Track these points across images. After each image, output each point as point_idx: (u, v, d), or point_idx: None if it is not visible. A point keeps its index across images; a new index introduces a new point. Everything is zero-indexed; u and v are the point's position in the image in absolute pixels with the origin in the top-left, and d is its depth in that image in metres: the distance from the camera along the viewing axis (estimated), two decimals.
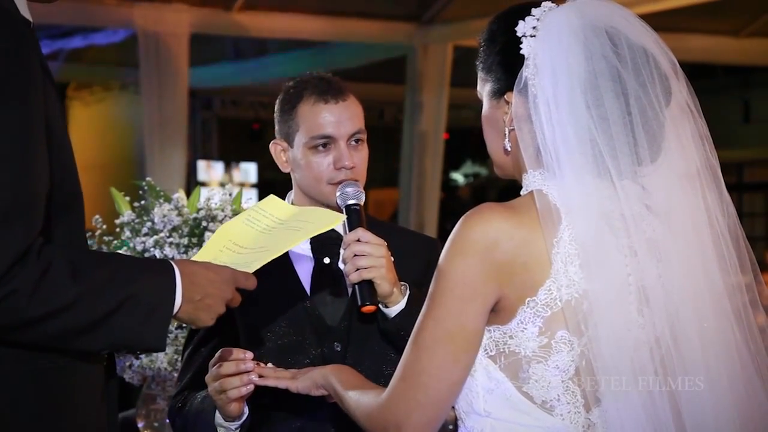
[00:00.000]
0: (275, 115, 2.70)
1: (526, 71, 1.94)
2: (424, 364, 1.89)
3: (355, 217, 2.55)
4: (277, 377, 2.33)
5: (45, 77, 1.93)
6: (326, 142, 2.61)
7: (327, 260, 2.65)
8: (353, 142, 2.63)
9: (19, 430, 1.92)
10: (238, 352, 2.37)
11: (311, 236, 2.37)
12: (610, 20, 1.94)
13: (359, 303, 2.46)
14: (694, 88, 1.99)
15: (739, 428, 1.92)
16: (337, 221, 2.42)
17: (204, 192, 3.33)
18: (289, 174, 2.73)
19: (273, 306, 2.62)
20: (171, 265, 2.02)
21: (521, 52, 1.95)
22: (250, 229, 2.30)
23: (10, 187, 1.82)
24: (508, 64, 1.98)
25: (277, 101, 2.70)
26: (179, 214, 3.23)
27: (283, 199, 2.68)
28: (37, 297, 1.83)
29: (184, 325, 2.95)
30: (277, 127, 2.70)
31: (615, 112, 1.89)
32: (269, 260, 2.20)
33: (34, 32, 1.96)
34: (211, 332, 2.64)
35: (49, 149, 1.91)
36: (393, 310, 2.49)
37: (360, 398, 2.05)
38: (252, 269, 2.16)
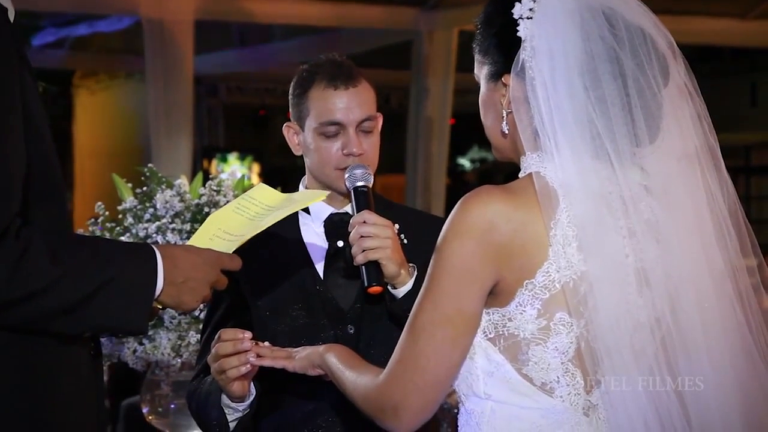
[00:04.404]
0: (289, 97, 2.70)
1: (523, 53, 1.93)
2: (421, 347, 1.89)
3: (363, 199, 2.55)
4: (273, 357, 2.32)
5: (21, 65, 1.91)
6: (335, 128, 2.61)
7: (340, 243, 2.65)
8: (363, 129, 2.63)
9: (4, 415, 1.90)
10: (236, 332, 2.37)
11: (293, 212, 2.39)
12: (606, 1, 1.93)
13: (365, 284, 2.47)
14: (701, 72, 1.99)
15: (741, 409, 1.92)
16: (321, 196, 2.45)
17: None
18: (295, 161, 2.72)
19: (286, 289, 2.63)
20: (152, 248, 2.01)
21: (518, 34, 1.94)
22: (239, 216, 2.31)
23: None
24: (505, 47, 1.97)
25: (291, 84, 2.70)
26: (181, 200, 3.23)
27: (298, 183, 2.70)
28: (15, 279, 1.81)
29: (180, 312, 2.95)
30: (290, 110, 2.70)
31: (613, 94, 1.89)
32: (252, 236, 2.23)
33: (8, 19, 1.94)
34: (226, 316, 2.65)
35: (26, 137, 1.88)
36: (400, 291, 2.50)
37: (357, 379, 2.05)
38: (232, 249, 2.18)
